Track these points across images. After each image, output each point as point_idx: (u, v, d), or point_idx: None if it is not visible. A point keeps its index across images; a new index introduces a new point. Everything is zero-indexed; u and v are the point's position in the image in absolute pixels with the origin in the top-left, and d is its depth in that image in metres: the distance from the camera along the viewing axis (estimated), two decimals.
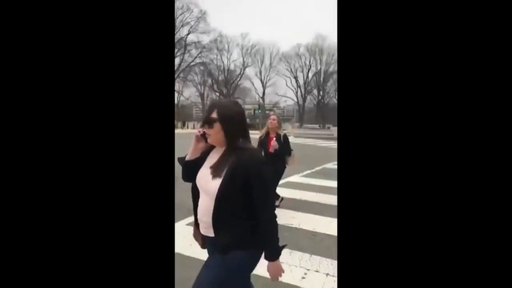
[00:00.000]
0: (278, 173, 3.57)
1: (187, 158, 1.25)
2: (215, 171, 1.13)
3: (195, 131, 1.35)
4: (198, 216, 1.21)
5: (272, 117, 3.64)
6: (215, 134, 1.15)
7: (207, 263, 1.21)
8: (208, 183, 1.14)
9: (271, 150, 3.42)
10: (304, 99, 51.28)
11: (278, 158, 3.48)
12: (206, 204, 1.15)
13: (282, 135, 3.58)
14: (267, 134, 3.57)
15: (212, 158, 1.19)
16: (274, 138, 3.49)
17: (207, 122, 1.15)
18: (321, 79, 50.03)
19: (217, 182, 1.11)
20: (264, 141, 3.55)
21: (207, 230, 1.18)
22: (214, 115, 1.14)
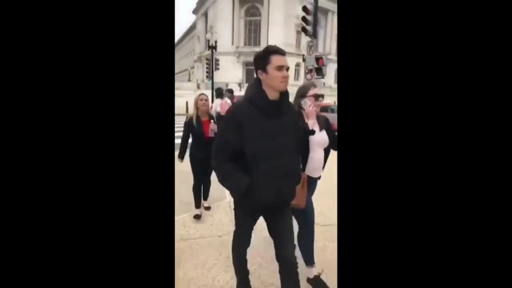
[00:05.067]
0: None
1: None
2: None
3: None
4: (318, 166, 1.83)
5: (202, 97, 2.93)
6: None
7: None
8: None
9: (211, 134, 2.83)
10: None
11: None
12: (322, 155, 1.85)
13: (215, 116, 3.06)
14: (197, 118, 2.89)
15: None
16: (212, 121, 2.91)
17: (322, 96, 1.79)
18: None
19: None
20: (193, 126, 2.88)
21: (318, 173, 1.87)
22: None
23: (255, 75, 1.41)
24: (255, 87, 1.39)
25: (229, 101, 6.53)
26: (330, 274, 2.06)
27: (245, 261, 1.73)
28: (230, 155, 1.38)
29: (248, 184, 1.34)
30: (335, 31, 46.67)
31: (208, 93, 18.89)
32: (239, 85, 35.75)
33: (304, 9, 8.18)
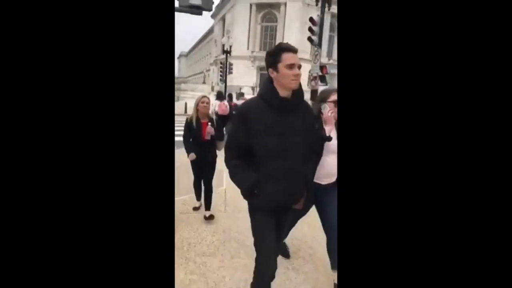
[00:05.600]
0: (211, 164, 3.09)
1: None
2: None
3: None
4: (328, 172, 1.77)
5: (204, 99, 2.94)
6: None
7: (328, 203, 1.81)
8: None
9: (207, 137, 2.90)
10: None
11: (212, 145, 3.04)
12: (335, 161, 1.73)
13: (214, 119, 3.05)
14: (197, 119, 2.94)
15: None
16: (210, 124, 2.93)
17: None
18: None
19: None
20: (192, 126, 2.94)
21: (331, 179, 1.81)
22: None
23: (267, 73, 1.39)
24: (267, 84, 1.37)
25: (226, 103, 7.17)
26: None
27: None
28: (239, 151, 1.39)
29: (254, 181, 1.34)
30: None
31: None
32: (253, 89, 36.41)
33: (311, 20, 8.72)
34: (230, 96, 8.57)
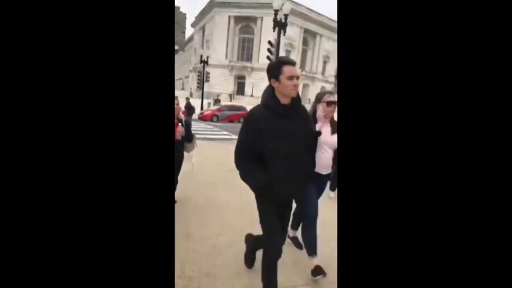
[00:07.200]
0: (180, 163, 3.23)
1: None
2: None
3: None
4: (324, 164, 2.04)
5: (175, 101, 3.08)
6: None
7: (313, 193, 2.08)
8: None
9: (178, 137, 3.06)
10: None
11: (181, 146, 3.21)
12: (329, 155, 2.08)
13: (184, 120, 3.20)
14: None
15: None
16: (180, 124, 3.10)
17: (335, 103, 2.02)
18: None
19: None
20: None
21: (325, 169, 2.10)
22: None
23: (268, 83, 1.58)
24: (269, 93, 1.57)
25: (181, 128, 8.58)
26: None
27: (275, 271, 1.71)
28: (249, 154, 1.56)
29: (266, 180, 1.52)
30: (322, 53, 50.57)
31: (199, 101, 20.60)
32: (230, 96, 38.35)
33: (269, 43, 10.82)
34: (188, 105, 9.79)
